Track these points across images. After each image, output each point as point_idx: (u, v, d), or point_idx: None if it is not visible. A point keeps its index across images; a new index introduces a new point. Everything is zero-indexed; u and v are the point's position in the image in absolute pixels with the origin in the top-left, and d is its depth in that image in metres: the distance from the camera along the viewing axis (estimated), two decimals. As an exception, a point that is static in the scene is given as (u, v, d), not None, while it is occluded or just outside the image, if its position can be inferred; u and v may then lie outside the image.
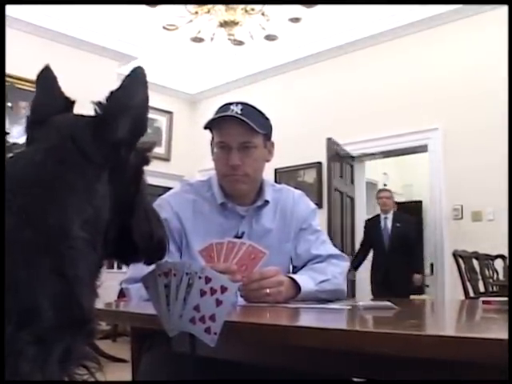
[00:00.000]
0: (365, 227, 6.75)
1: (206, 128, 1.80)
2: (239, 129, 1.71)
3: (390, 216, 6.57)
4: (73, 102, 0.83)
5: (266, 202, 1.82)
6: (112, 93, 0.77)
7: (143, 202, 0.84)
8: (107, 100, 0.76)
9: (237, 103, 1.74)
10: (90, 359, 0.63)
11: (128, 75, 0.77)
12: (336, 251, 1.87)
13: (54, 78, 0.84)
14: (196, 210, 1.77)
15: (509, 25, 4.77)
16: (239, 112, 1.70)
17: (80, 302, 0.62)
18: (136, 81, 0.78)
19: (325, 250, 1.83)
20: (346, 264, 1.86)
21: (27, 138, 0.78)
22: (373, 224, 6.66)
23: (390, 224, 6.52)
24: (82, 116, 0.79)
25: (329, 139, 6.38)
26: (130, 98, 0.76)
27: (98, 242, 0.71)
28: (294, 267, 1.85)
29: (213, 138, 1.82)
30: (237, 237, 1.73)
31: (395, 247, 6.33)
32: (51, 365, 0.57)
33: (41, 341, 0.56)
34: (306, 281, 1.64)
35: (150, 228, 0.85)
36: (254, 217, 1.81)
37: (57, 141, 0.72)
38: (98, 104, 0.76)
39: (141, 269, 1.68)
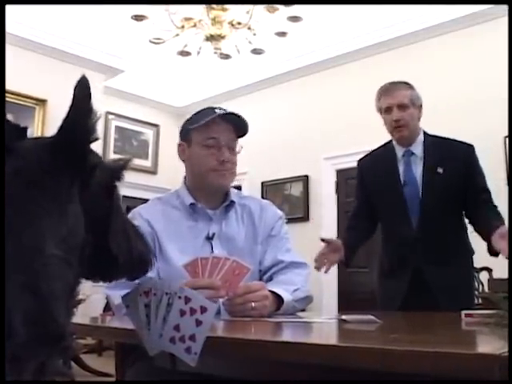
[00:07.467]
0: (359, 172, 2.87)
1: (191, 129, 1.85)
2: (230, 127, 1.83)
3: (420, 148, 2.75)
4: (24, 129, 0.81)
5: (232, 202, 1.89)
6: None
7: (120, 217, 0.85)
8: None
9: (219, 108, 1.84)
10: (63, 376, 0.63)
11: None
12: (299, 259, 1.92)
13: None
14: (165, 216, 1.84)
15: (509, 24, 4.80)
16: (227, 112, 1.81)
17: (55, 317, 0.62)
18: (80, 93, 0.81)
19: (288, 257, 1.89)
20: (307, 272, 1.91)
21: None
22: (377, 166, 2.79)
23: (419, 168, 2.68)
24: (40, 138, 0.79)
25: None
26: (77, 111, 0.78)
27: (73, 260, 0.71)
28: (259, 271, 1.89)
29: (185, 141, 1.90)
30: (208, 238, 1.81)
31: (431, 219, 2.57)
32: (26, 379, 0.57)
33: (14, 358, 0.56)
34: (283, 293, 1.67)
35: (128, 243, 0.85)
36: (223, 219, 1.87)
37: (24, 165, 0.72)
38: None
39: None
